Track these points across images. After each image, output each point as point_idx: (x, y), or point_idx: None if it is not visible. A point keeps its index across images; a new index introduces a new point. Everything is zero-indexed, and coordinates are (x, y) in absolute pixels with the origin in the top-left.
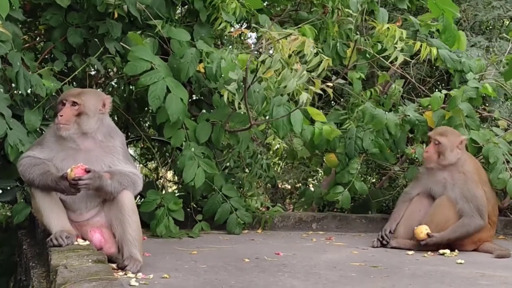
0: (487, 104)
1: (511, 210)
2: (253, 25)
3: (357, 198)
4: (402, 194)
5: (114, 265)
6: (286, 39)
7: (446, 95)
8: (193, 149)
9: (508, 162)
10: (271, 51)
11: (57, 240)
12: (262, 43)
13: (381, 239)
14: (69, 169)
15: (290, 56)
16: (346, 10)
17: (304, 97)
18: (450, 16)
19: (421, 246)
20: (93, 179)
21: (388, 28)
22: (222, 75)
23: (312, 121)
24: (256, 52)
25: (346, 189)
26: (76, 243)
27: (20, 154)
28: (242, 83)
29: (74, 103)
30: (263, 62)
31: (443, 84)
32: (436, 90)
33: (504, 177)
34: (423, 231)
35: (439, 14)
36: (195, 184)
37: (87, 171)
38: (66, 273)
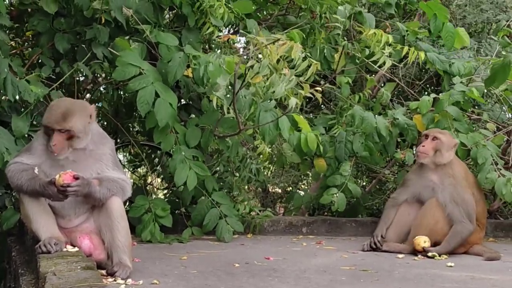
0: (476, 107)
1: (500, 213)
2: (241, 31)
3: (347, 202)
4: (390, 200)
5: (103, 272)
6: (274, 44)
7: (434, 98)
8: (183, 152)
9: (496, 163)
10: (259, 56)
11: (46, 247)
12: (250, 48)
13: (374, 246)
14: (58, 175)
15: (278, 61)
16: (334, 16)
17: (293, 102)
18: (443, 18)
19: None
20: (81, 186)
21: (374, 33)
22: (210, 79)
23: (298, 127)
24: (245, 57)
25: (340, 191)
26: (65, 249)
27: (6, 163)
28: (230, 88)
29: (62, 131)
30: (251, 67)
31: (432, 87)
32: (426, 93)
33: (492, 177)
34: (420, 243)
35: (431, 16)
36: (188, 187)
37: (76, 178)
38: (55, 280)
